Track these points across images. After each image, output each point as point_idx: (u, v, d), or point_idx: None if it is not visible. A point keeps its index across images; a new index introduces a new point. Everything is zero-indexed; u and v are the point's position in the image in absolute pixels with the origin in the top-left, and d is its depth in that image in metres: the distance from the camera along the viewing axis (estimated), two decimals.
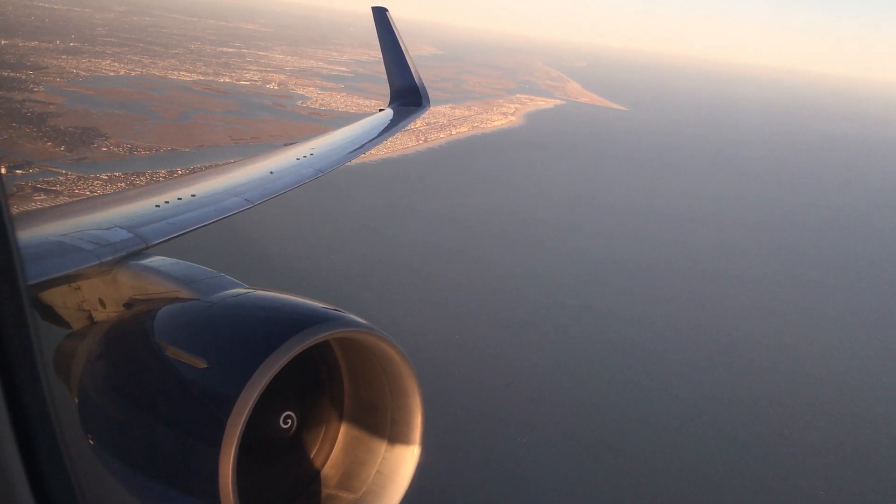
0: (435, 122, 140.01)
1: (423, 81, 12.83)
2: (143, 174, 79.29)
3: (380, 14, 13.01)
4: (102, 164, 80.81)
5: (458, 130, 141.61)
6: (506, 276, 69.19)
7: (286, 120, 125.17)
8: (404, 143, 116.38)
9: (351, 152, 8.95)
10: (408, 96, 12.56)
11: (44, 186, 69.24)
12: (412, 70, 12.68)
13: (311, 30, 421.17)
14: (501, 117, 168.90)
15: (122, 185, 74.07)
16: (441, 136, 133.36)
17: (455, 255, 73.27)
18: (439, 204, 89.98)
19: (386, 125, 11.08)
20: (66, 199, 66.43)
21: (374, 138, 10.13)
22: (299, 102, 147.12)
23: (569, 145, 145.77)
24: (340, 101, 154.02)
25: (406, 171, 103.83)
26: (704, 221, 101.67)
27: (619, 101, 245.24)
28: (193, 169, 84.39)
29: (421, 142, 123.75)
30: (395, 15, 13.01)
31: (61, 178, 73.28)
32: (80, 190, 69.91)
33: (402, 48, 12.83)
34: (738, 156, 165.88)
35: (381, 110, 11.89)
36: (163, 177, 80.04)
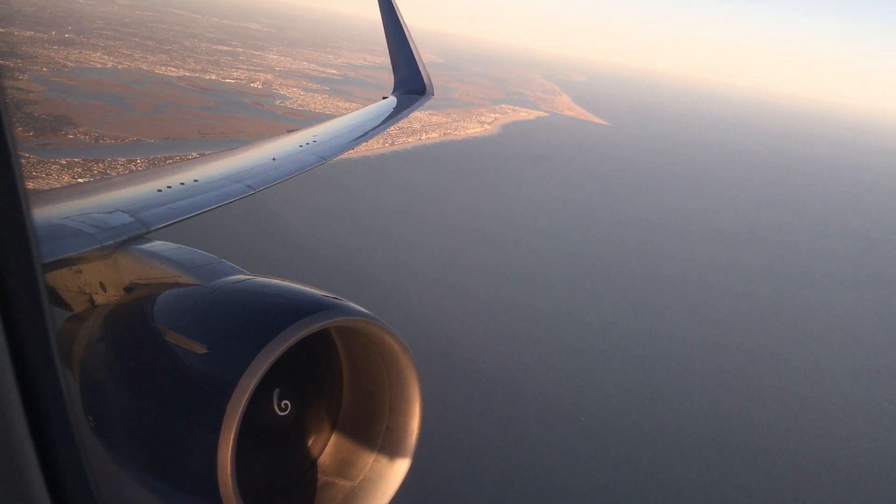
0: (408, 127, 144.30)
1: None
2: (103, 161, 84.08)
3: (384, 0, 12.73)
4: (65, 151, 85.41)
5: (428, 136, 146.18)
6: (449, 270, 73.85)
7: (260, 118, 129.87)
8: (369, 145, 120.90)
9: (354, 139, 8.99)
10: (411, 84, 12.40)
11: None
12: (416, 58, 12.50)
13: (313, 32, 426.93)
14: (477, 126, 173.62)
15: (79, 170, 78.72)
16: (409, 140, 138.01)
17: (401, 247, 78.01)
18: (392, 203, 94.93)
19: (389, 113, 11.03)
20: None
21: (377, 126, 10.14)
22: (278, 102, 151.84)
23: (531, 154, 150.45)
24: (320, 103, 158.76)
25: (368, 171, 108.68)
26: (635, 233, 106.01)
27: (603, 116, 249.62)
28: (153, 159, 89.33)
29: (388, 145, 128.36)
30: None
31: (21, 161, 77.82)
32: (36, 172, 74.62)
33: (407, 36, 12.61)
34: (699, 173, 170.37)
35: (384, 98, 11.78)
36: (121, 165, 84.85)
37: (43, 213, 4.52)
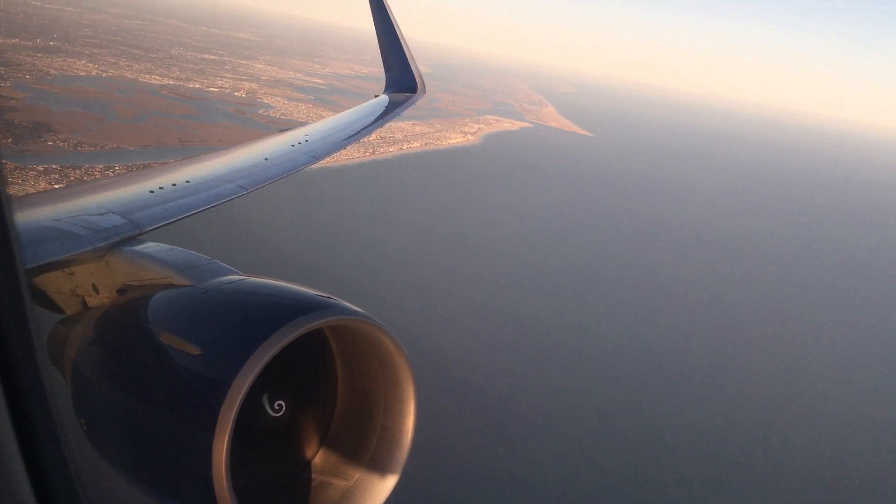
0: (390, 137, 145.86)
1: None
2: (80, 168, 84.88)
3: (376, 0, 12.92)
4: (43, 157, 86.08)
5: (410, 146, 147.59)
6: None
7: (241, 126, 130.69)
8: (350, 154, 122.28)
9: (346, 139, 9.05)
10: (403, 83, 12.45)
11: None
12: (408, 56, 12.56)
13: (303, 42, 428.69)
14: (460, 136, 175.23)
15: (56, 176, 79.51)
16: (391, 149, 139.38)
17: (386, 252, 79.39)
18: (378, 210, 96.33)
19: (381, 112, 11.06)
20: None
21: (368, 125, 10.16)
22: (261, 111, 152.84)
23: (511, 164, 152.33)
24: (303, 112, 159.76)
25: (351, 179, 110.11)
26: (613, 240, 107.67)
27: (587, 128, 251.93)
28: (132, 166, 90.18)
29: (368, 154, 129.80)
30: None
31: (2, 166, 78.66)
32: (13, 179, 75.23)
33: (398, 34, 12.65)
34: (680, 183, 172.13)
35: (376, 96, 11.85)
36: (98, 171, 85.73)
37: (34, 216, 4.54)
